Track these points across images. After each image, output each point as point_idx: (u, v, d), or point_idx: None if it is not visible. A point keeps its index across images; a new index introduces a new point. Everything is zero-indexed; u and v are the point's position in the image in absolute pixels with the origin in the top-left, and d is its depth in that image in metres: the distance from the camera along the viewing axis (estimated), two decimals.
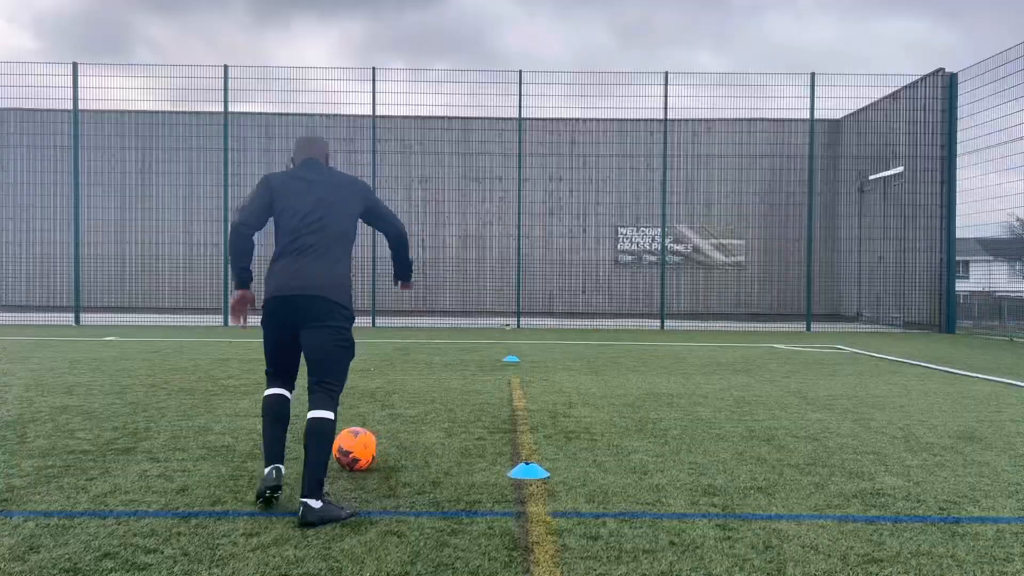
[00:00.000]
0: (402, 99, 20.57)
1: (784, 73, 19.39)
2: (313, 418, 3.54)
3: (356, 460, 4.19)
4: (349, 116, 21.99)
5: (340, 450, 4.17)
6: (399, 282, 4.39)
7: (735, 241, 22.35)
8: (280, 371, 3.86)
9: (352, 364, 3.86)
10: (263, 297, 3.82)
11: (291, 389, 3.88)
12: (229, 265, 3.96)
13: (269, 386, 3.85)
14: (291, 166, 4.14)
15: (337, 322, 3.70)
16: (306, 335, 3.68)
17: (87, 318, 18.50)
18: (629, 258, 22.44)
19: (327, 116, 22.14)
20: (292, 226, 3.78)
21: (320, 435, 3.52)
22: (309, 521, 3.33)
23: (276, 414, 3.77)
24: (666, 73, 18.31)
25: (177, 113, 21.99)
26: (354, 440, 4.22)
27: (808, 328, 18.23)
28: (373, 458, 4.27)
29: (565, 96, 19.79)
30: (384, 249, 20.43)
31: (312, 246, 3.74)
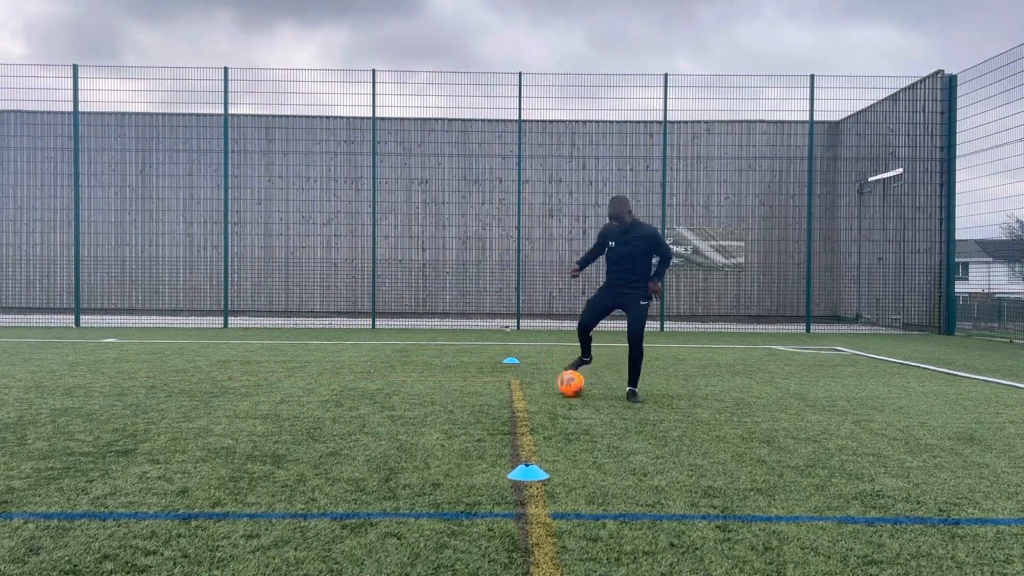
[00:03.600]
0: (402, 101, 20.60)
1: (783, 75, 19.38)
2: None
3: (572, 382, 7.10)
4: (349, 118, 22.03)
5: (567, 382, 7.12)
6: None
7: (735, 243, 22.36)
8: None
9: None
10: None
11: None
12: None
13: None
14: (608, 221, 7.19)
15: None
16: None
17: (87, 320, 18.51)
18: None
19: (327, 118, 22.17)
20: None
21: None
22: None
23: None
24: (665, 75, 18.33)
25: (177, 115, 22.02)
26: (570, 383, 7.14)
27: (808, 330, 18.23)
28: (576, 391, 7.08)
29: (565, 98, 19.82)
30: (384, 252, 20.37)
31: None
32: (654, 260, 7.13)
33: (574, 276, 7.33)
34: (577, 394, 6.99)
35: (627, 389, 7.03)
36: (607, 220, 8.23)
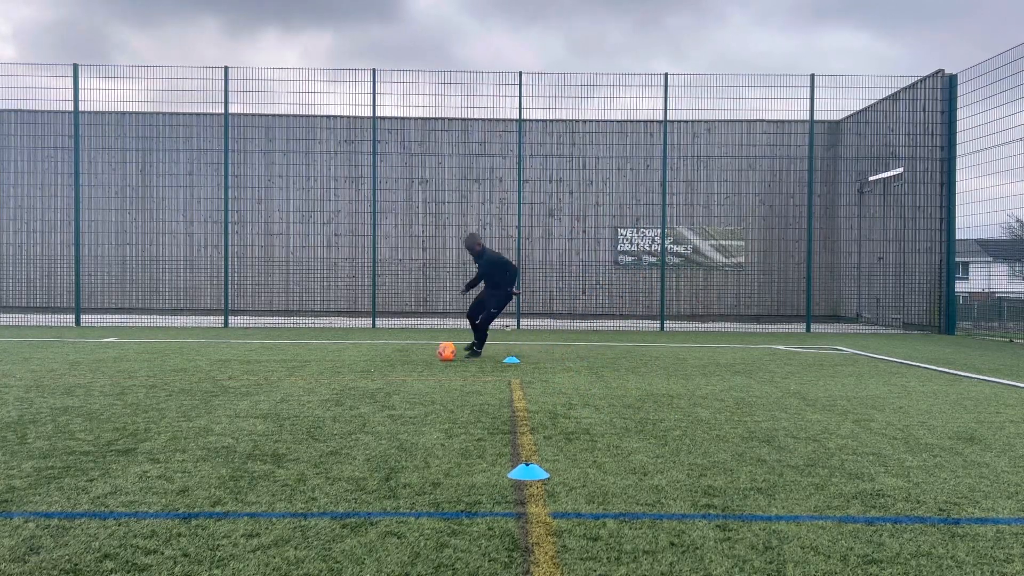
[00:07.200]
0: (402, 100, 20.61)
1: (783, 75, 19.38)
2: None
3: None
4: (349, 117, 22.03)
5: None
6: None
7: (735, 242, 22.36)
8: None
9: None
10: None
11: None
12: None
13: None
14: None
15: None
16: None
17: (87, 319, 18.51)
18: (629, 259, 22.45)
19: (327, 118, 22.17)
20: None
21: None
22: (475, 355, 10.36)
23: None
24: (666, 75, 18.34)
25: (177, 115, 22.02)
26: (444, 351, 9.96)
27: (808, 329, 18.23)
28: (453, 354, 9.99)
29: (565, 98, 19.82)
30: (384, 251, 20.27)
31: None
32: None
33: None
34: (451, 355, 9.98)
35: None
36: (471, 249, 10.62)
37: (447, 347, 10.11)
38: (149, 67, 20.64)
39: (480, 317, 10.46)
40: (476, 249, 10.52)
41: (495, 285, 10.46)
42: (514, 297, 10.52)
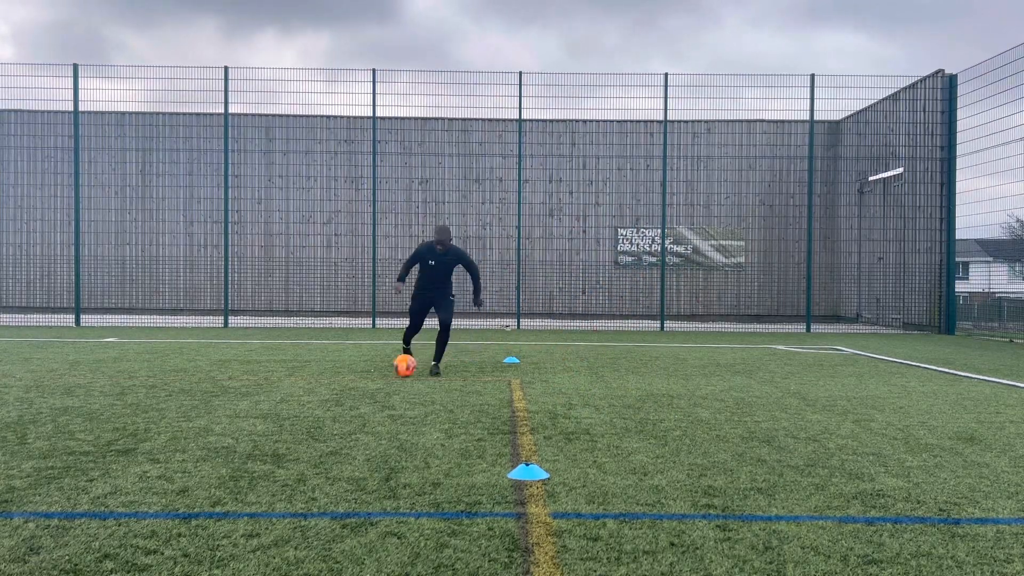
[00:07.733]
0: (402, 100, 20.61)
1: (783, 75, 19.39)
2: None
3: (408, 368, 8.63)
4: (349, 117, 22.03)
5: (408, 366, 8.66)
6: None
7: (735, 242, 22.35)
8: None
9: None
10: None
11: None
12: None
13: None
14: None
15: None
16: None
17: (87, 319, 18.51)
18: (629, 259, 22.44)
19: (327, 118, 22.17)
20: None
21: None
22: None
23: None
24: (666, 75, 18.34)
25: (177, 115, 22.02)
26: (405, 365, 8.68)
27: (808, 329, 18.23)
28: (407, 367, 8.65)
29: (565, 98, 19.83)
30: (384, 251, 20.30)
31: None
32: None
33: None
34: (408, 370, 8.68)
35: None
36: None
37: (401, 365, 8.72)
38: (149, 67, 20.64)
39: (447, 326, 9.43)
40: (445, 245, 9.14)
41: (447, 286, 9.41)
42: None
